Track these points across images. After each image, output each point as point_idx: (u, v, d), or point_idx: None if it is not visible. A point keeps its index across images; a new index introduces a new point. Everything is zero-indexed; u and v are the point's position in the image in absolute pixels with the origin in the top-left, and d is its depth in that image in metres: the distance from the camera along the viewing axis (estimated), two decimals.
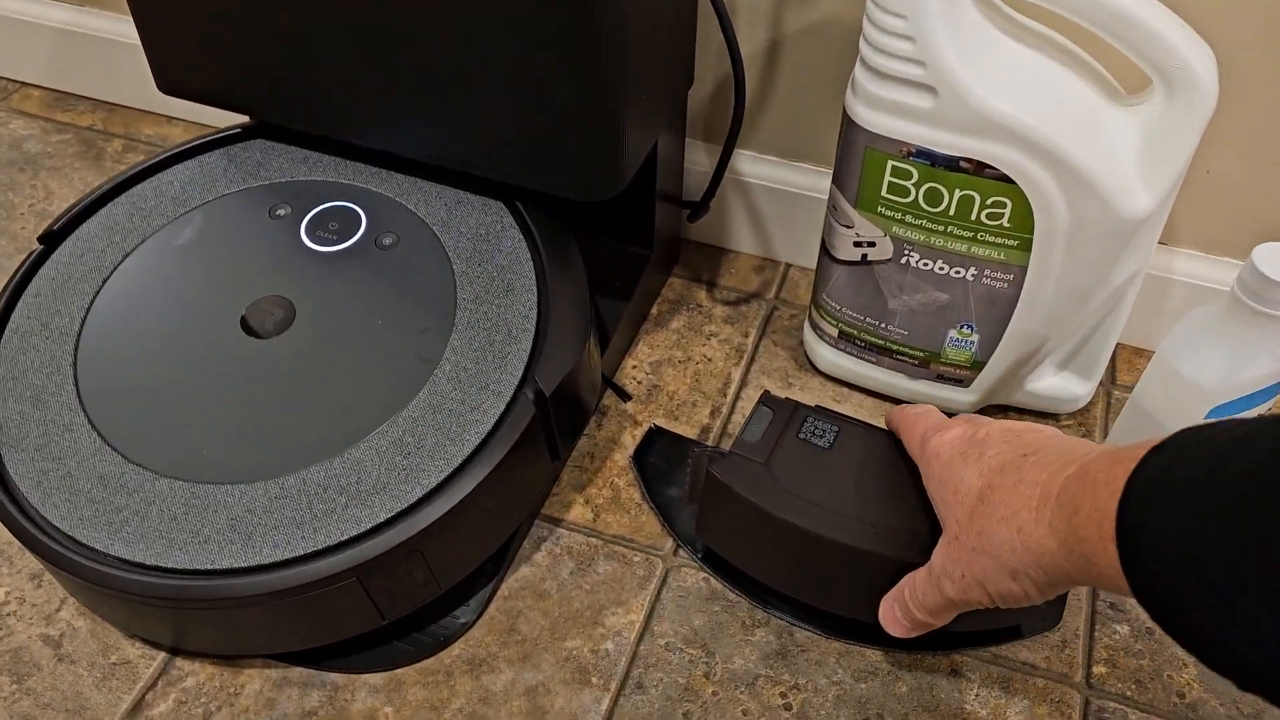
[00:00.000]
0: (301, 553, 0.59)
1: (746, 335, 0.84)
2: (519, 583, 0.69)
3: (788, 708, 0.63)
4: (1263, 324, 0.57)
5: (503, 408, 0.63)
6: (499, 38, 0.63)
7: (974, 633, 0.65)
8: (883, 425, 0.67)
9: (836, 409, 0.79)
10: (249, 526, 0.60)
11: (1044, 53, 0.64)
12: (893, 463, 0.63)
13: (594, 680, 0.64)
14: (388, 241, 0.71)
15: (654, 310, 0.85)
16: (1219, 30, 0.62)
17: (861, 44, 0.64)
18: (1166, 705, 0.63)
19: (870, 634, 0.62)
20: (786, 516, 0.61)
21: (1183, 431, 0.40)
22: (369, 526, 0.60)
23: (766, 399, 0.67)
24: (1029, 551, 0.46)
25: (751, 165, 0.84)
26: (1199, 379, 0.59)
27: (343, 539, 0.59)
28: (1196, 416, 0.59)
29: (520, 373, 0.65)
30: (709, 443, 0.76)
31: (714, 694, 0.64)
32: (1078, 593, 0.68)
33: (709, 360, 0.82)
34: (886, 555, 0.59)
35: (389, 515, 0.60)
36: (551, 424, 0.66)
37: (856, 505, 0.61)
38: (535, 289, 0.69)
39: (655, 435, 0.76)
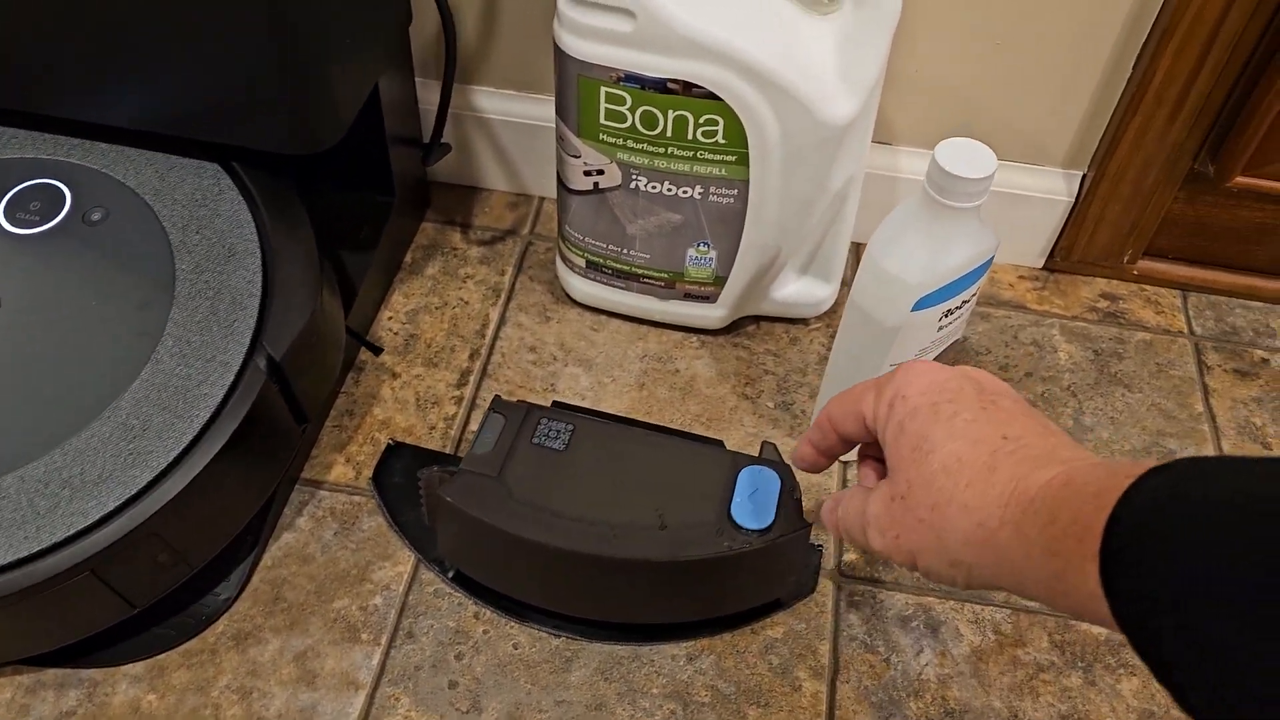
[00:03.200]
0: (26, 553, 0.56)
1: (503, 274, 0.84)
2: (282, 550, 0.68)
3: (557, 634, 0.65)
4: (951, 216, 0.60)
5: (232, 378, 0.62)
6: None
7: (739, 614, 0.66)
8: (619, 412, 0.66)
9: (593, 337, 0.80)
10: None
11: None
12: (628, 454, 0.64)
13: (364, 636, 0.64)
14: (96, 217, 0.68)
15: (408, 258, 0.84)
16: None
17: None
18: (910, 578, 0.68)
19: (630, 634, 0.64)
20: (523, 533, 0.60)
21: (1192, 459, 0.34)
22: (97, 517, 0.57)
23: (497, 404, 0.65)
24: (984, 550, 0.40)
25: (489, 100, 0.83)
26: (903, 273, 0.62)
27: (70, 533, 0.57)
28: (904, 308, 0.62)
29: (248, 340, 0.63)
30: (464, 391, 0.76)
31: (485, 632, 0.65)
32: (827, 476, 0.72)
33: (466, 303, 0.81)
34: (628, 558, 0.60)
35: (118, 503, 0.58)
36: (291, 388, 0.64)
37: (593, 508, 0.61)
38: (259, 251, 0.66)
39: (394, 451, 0.72)
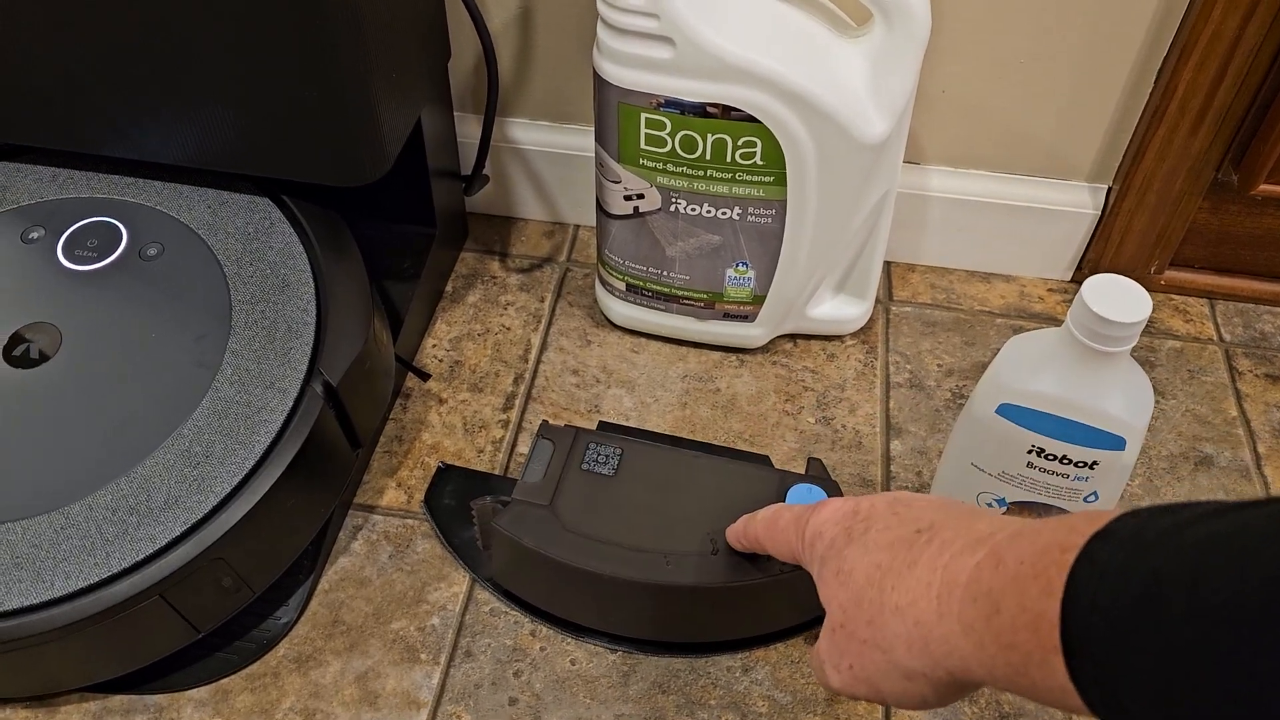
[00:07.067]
0: (96, 579, 0.58)
1: (542, 300, 0.85)
2: (338, 574, 0.69)
3: (613, 649, 0.65)
4: (1100, 362, 0.55)
5: (290, 404, 0.63)
6: (235, 30, 0.61)
7: (797, 626, 0.67)
8: (667, 430, 0.68)
9: (634, 359, 0.81)
10: (36, 562, 0.58)
11: None
12: (676, 478, 0.65)
13: (423, 656, 0.65)
14: (152, 252, 0.69)
15: (448, 287, 0.86)
16: None
17: (599, 3, 0.65)
18: None
19: (685, 647, 0.65)
20: (577, 562, 0.61)
21: (1130, 515, 0.32)
22: (165, 542, 0.59)
23: (545, 430, 0.66)
24: (930, 651, 0.38)
25: (525, 132, 0.85)
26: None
27: (138, 559, 0.58)
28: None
29: (305, 367, 0.65)
30: (510, 415, 0.78)
31: (542, 649, 0.65)
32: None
33: (507, 329, 0.83)
34: (681, 585, 0.60)
35: (184, 528, 0.59)
36: (346, 413, 0.66)
37: (645, 535, 0.62)
38: (312, 281, 0.68)
39: (445, 474, 0.73)
